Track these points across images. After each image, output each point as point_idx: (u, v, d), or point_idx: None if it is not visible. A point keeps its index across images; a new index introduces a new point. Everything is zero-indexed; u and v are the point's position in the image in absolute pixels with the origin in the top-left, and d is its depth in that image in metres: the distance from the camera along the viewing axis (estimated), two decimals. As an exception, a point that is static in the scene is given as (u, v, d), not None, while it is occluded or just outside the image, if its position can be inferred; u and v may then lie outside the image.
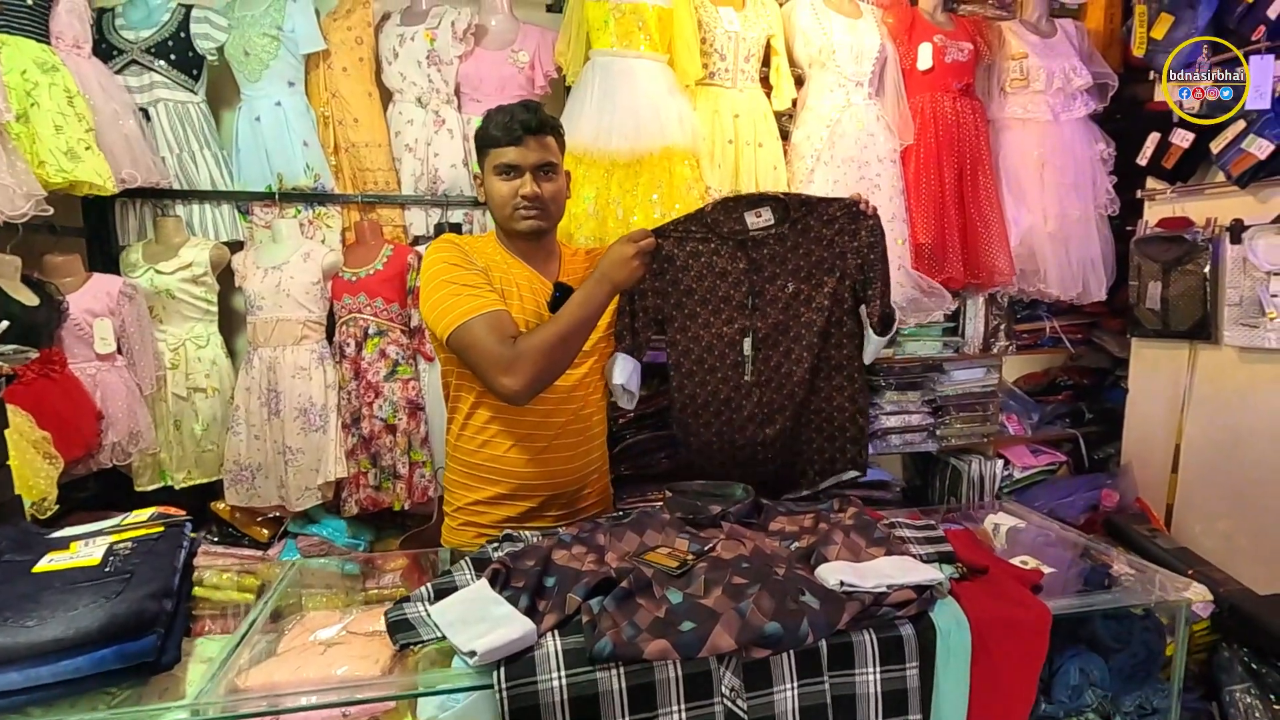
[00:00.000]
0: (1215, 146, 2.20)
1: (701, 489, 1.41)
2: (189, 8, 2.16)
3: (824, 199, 1.61)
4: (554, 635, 0.96)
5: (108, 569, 0.96)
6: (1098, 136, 2.61)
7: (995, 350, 2.63)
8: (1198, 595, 1.22)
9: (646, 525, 1.26)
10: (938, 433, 2.58)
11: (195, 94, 2.19)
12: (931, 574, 1.08)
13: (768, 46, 2.33)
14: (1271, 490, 2.09)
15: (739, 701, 0.95)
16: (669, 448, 2.21)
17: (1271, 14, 2.05)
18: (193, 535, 1.11)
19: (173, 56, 2.14)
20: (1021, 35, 2.55)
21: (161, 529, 1.07)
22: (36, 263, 1.94)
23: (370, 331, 2.21)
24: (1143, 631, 1.32)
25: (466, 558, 1.21)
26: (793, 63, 2.38)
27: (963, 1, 2.67)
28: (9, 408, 1.35)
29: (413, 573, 1.46)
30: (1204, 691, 1.71)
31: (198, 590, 1.15)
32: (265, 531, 2.24)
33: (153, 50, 2.12)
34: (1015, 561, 1.27)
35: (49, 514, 1.66)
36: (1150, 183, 2.47)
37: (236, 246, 2.26)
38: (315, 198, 2.24)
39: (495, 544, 1.28)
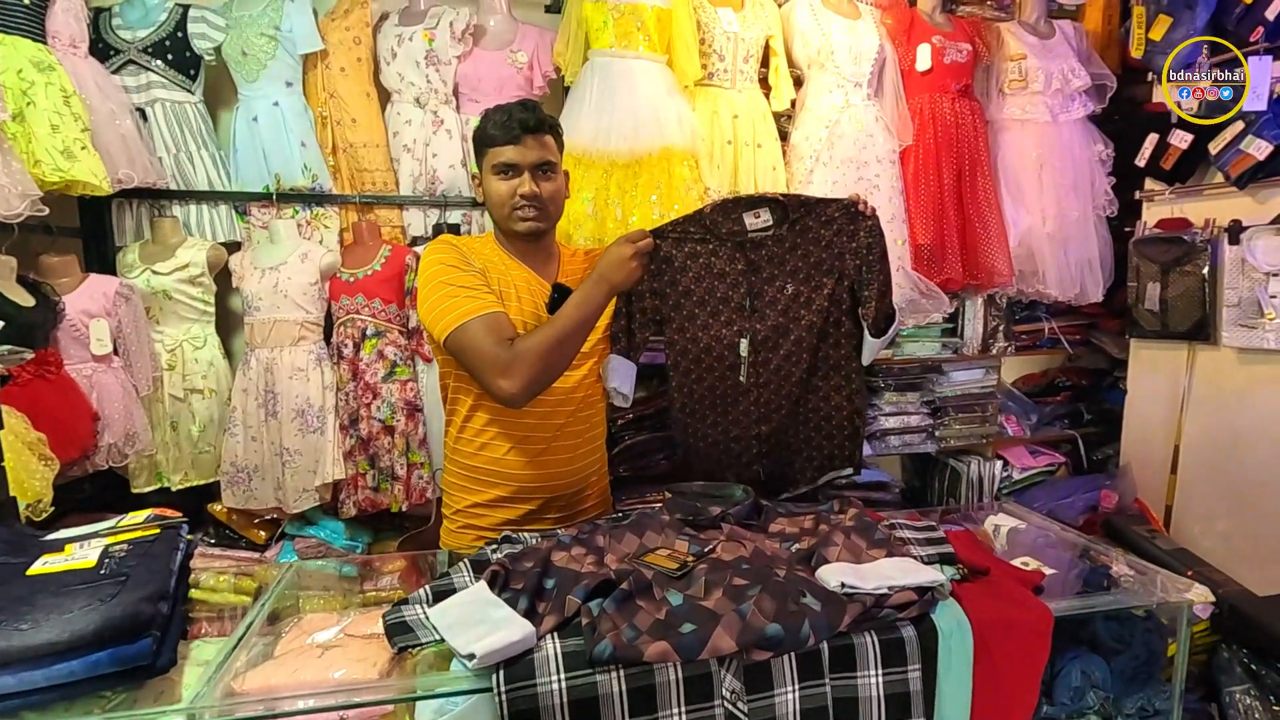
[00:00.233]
0: (1214, 147, 2.21)
1: (701, 490, 1.40)
2: (186, 7, 2.15)
3: (822, 200, 1.60)
4: (553, 637, 0.96)
5: (103, 571, 0.95)
6: (1096, 137, 2.62)
7: (994, 351, 2.63)
8: (1199, 596, 1.21)
9: (646, 527, 1.26)
10: (937, 434, 2.58)
11: (192, 94, 2.19)
12: (933, 575, 1.07)
13: (766, 47, 2.34)
14: (1270, 491, 2.09)
15: (740, 704, 0.94)
16: (668, 449, 2.21)
17: (1269, 15, 2.06)
18: (189, 537, 1.10)
19: (170, 56, 2.13)
20: (1020, 36, 2.55)
21: (158, 531, 1.06)
22: (32, 263, 1.94)
23: (368, 332, 2.20)
24: (1144, 633, 1.32)
25: (465, 560, 1.20)
26: (791, 63, 2.38)
27: (961, 2, 2.67)
28: (4, 409, 1.33)
29: (411, 575, 1.45)
30: (1204, 692, 1.71)
31: (194, 593, 1.13)
32: (262, 533, 2.24)
33: (150, 50, 2.12)
34: (1016, 563, 1.26)
35: (44, 516, 1.65)
36: (1149, 184, 2.47)
37: (234, 247, 2.25)
38: (313, 198, 2.24)
39: (494, 546, 1.27)
